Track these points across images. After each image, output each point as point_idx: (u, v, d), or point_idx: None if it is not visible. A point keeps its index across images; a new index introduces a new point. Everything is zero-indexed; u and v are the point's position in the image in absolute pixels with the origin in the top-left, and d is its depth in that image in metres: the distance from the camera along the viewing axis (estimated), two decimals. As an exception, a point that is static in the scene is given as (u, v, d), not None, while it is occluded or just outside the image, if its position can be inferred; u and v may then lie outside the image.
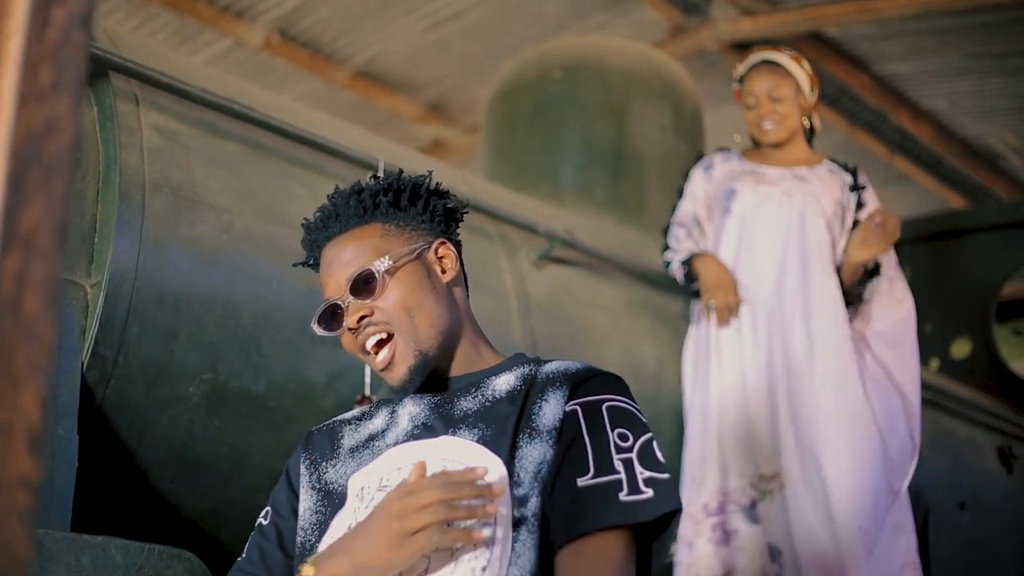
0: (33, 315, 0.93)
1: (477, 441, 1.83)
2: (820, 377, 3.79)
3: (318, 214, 2.02)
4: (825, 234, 3.92)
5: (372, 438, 1.96)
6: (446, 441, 1.85)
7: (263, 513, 2.02)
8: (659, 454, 1.86)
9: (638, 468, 1.80)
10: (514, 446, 1.82)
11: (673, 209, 4.16)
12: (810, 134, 4.13)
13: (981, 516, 5.42)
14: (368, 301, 1.92)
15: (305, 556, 1.84)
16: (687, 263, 3.99)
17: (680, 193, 4.17)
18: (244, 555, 1.98)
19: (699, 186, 4.11)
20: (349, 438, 1.99)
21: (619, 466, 1.80)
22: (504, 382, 1.92)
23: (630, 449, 1.82)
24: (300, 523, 1.93)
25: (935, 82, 8.28)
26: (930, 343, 6.63)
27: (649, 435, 1.87)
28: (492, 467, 1.77)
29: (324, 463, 1.97)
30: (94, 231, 2.75)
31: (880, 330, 3.95)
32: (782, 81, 3.99)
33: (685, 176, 4.19)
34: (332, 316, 1.96)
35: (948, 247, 6.84)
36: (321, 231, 2.01)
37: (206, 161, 2.99)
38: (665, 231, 4.15)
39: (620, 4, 7.47)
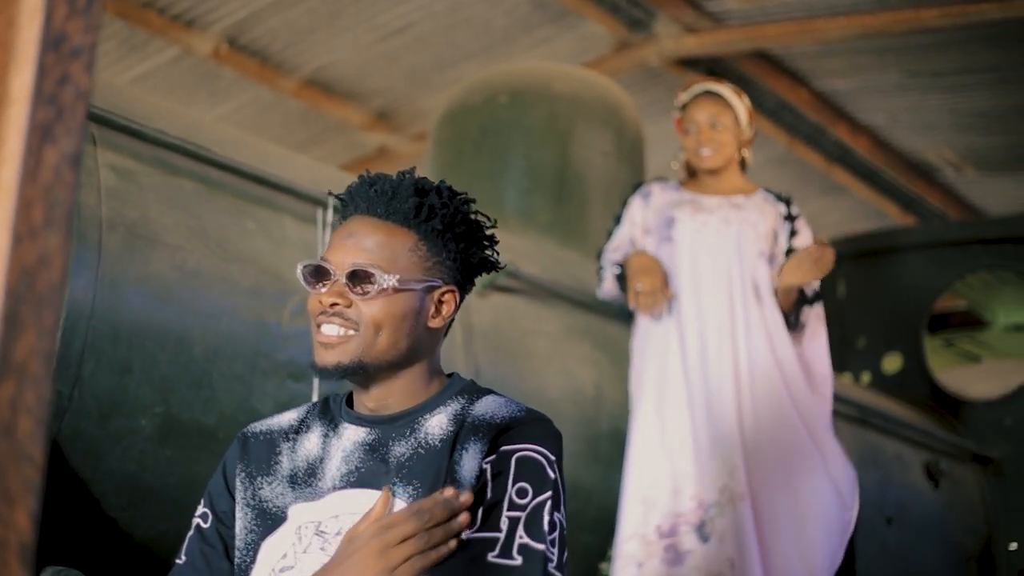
0: (26, 437, 1.00)
1: (410, 501, 1.86)
2: (755, 402, 3.91)
3: (375, 183, 1.98)
4: (759, 260, 4.03)
5: (310, 468, 1.96)
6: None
7: (200, 513, 2.01)
8: (546, 520, 1.83)
9: (520, 531, 1.80)
10: None
11: (609, 235, 4.23)
12: (742, 167, 4.22)
13: (907, 531, 5.55)
14: (354, 296, 1.91)
15: None
16: (621, 265, 4.07)
17: (617, 220, 4.24)
18: (184, 558, 1.98)
19: (637, 213, 4.17)
20: (287, 459, 1.98)
21: (504, 524, 1.80)
22: (436, 424, 1.92)
23: (524, 507, 1.82)
24: (236, 540, 1.96)
25: (874, 98, 8.42)
26: (862, 357, 6.80)
27: (546, 495, 1.85)
28: None
29: (260, 478, 1.97)
30: (51, 268, 2.81)
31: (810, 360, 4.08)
32: (723, 111, 4.08)
33: (624, 202, 4.27)
34: (317, 272, 1.95)
35: (881, 264, 6.99)
36: (365, 201, 1.97)
37: (160, 199, 3.06)
38: (599, 255, 4.20)
39: (565, 19, 7.54)
